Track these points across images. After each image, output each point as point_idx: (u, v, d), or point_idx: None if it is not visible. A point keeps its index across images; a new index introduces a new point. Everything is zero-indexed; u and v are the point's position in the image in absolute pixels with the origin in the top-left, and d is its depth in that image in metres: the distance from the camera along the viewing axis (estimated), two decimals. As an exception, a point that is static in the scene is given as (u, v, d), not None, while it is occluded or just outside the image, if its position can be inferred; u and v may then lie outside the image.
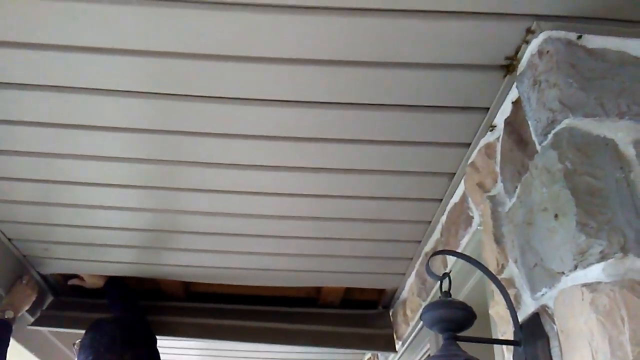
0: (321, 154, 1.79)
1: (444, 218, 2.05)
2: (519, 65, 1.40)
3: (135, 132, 1.72)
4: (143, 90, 1.57)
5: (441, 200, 1.99)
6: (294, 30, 1.36)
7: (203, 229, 2.24)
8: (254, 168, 1.86)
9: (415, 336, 2.52)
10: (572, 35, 1.30)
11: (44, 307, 2.77)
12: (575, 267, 1.10)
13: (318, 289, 2.83)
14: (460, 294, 1.92)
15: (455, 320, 1.22)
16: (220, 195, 2.01)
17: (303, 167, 1.86)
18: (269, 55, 1.44)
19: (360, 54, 1.43)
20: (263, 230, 2.22)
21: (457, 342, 1.22)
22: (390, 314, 2.91)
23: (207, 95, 1.56)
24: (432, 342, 2.25)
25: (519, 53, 1.38)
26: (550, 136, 1.24)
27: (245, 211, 2.10)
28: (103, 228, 2.23)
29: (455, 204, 1.93)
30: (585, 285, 1.07)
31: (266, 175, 1.89)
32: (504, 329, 1.45)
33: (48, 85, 1.55)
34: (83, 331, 2.31)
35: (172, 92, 1.57)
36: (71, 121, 1.68)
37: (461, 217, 1.87)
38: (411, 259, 2.40)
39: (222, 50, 1.43)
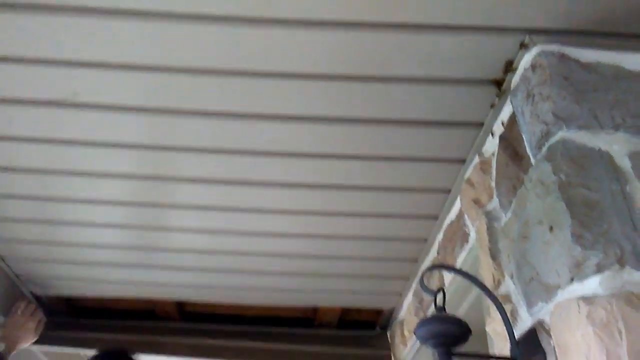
0: (315, 170, 1.78)
1: (440, 235, 2.03)
2: (513, 80, 1.40)
3: (130, 148, 1.71)
4: (137, 105, 1.56)
5: (437, 217, 1.97)
6: (286, 44, 1.37)
7: (196, 247, 2.22)
8: (247, 185, 1.85)
9: (413, 357, 2.48)
10: (565, 49, 1.30)
11: (37, 328, 2.73)
12: (572, 280, 1.09)
13: (314, 309, 2.79)
14: (458, 312, 1.90)
15: (450, 335, 1.20)
16: (214, 212, 2.00)
17: (297, 184, 1.85)
18: (261, 70, 1.44)
19: (355, 68, 1.43)
20: (257, 248, 2.20)
21: (452, 357, 1.20)
22: (388, 334, 2.86)
23: (200, 110, 1.56)
24: (429, 362, 2.21)
25: (513, 67, 1.38)
26: (544, 148, 1.23)
27: (240, 229, 2.09)
28: (96, 247, 2.21)
29: (452, 221, 1.92)
30: (581, 298, 1.05)
31: (260, 192, 1.88)
32: (501, 346, 1.43)
33: (41, 101, 1.55)
34: (75, 351, 2.27)
35: (165, 107, 1.57)
36: (64, 137, 1.68)
37: (457, 234, 1.86)
38: (408, 278, 2.37)
39: (213, 64, 1.43)
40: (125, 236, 2.15)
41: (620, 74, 1.29)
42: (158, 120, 1.60)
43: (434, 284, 2.09)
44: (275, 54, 1.39)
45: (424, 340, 1.23)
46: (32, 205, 1.99)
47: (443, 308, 1.26)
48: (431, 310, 2.11)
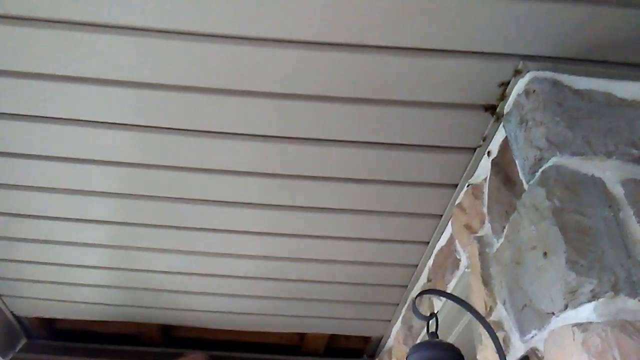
0: (304, 192, 1.77)
1: (430, 261, 2.02)
2: (506, 105, 1.40)
3: (118, 165, 1.69)
4: (128, 123, 1.55)
5: (428, 242, 1.96)
6: (281, 64, 1.36)
7: (180, 269, 2.18)
8: (234, 205, 1.83)
9: (401, 386, 2.44)
10: (558, 76, 1.31)
11: (17, 350, 2.66)
12: (566, 307, 1.07)
13: (301, 336, 2.75)
14: (448, 340, 1.87)
15: (443, 362, 1.18)
16: (197, 234, 1.97)
17: (285, 205, 1.83)
18: (255, 89, 1.43)
19: (349, 90, 1.43)
20: (244, 271, 2.17)
21: (445, 385, 1.17)
22: (376, 363, 2.83)
23: (188, 128, 1.55)
24: (418, 391, 2.17)
25: (506, 92, 1.39)
26: (537, 174, 1.23)
27: (225, 250, 2.06)
28: (78, 267, 2.17)
29: (442, 247, 1.91)
30: (576, 325, 1.03)
31: (245, 213, 1.86)
32: (493, 375, 1.40)
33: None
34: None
35: (158, 125, 1.55)
36: (53, 154, 1.66)
37: (448, 260, 1.84)
38: (397, 304, 2.34)
39: (205, 82, 1.42)
40: (109, 257, 2.10)
41: (611, 102, 1.29)
42: (148, 137, 1.58)
43: (423, 311, 2.06)
44: (270, 74, 1.39)
45: (416, 366, 1.20)
46: (15, 224, 1.95)
47: (436, 334, 1.24)
48: (422, 336, 2.08)
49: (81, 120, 1.54)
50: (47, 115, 1.53)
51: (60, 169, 1.70)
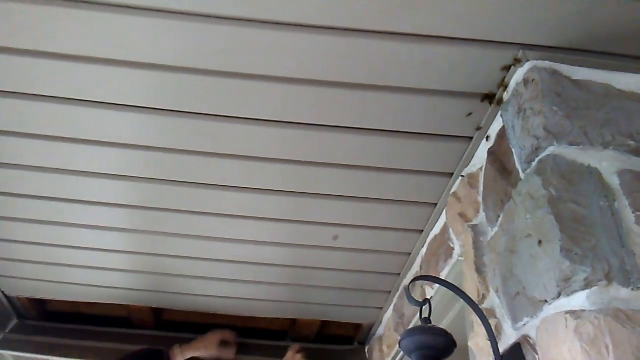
0: (297, 176, 1.76)
1: (423, 250, 2.03)
2: (504, 94, 1.40)
3: (119, 147, 1.68)
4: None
5: (422, 231, 1.97)
6: (278, 46, 1.35)
7: (170, 252, 2.17)
8: (224, 189, 1.82)
9: (390, 373, 2.46)
10: (557, 66, 1.31)
11: (7, 330, 2.66)
12: (559, 295, 1.08)
13: (293, 322, 2.75)
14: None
15: (435, 347, 1.19)
16: (191, 216, 1.96)
17: (278, 190, 1.82)
18: (253, 72, 1.42)
19: (346, 75, 1.42)
20: (237, 255, 2.16)
21: (436, 370, 1.18)
22: (366, 350, 2.84)
23: (188, 110, 1.55)
24: (407, 378, 2.19)
25: (504, 81, 1.39)
26: (534, 163, 1.23)
27: (220, 234, 2.05)
28: (71, 247, 2.16)
29: (436, 235, 1.91)
30: (569, 312, 1.04)
31: (238, 197, 1.85)
32: (483, 361, 1.42)
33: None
34: (46, 358, 2.22)
35: (164, 107, 1.55)
36: (43, 133, 1.65)
37: (441, 248, 1.85)
38: (389, 292, 2.35)
39: (203, 64, 1.41)
40: (101, 237, 2.09)
41: (610, 93, 1.30)
42: (155, 119, 1.58)
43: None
44: (267, 56, 1.38)
45: (408, 351, 1.21)
46: (5, 202, 1.94)
47: (428, 319, 1.25)
48: (413, 324, 2.09)
49: (92, 101, 1.53)
50: (60, 96, 1.52)
51: (61, 150, 1.69)
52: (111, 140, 1.66)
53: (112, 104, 1.53)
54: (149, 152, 1.69)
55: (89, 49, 1.39)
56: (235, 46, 1.36)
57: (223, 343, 2.57)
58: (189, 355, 2.51)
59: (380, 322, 2.58)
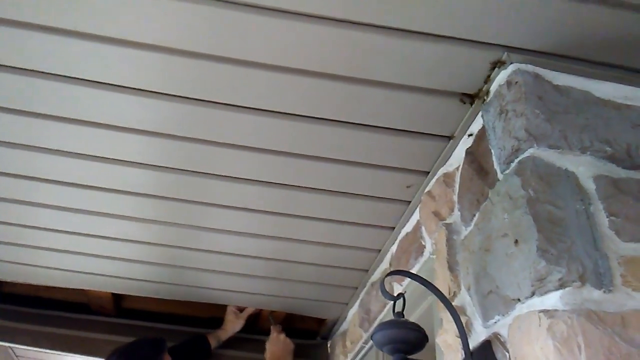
0: (273, 167, 1.74)
1: (394, 247, 2.03)
2: (486, 95, 1.42)
3: (82, 124, 1.63)
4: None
5: (394, 228, 1.97)
6: (262, 32, 1.33)
7: (134, 237, 2.12)
8: (196, 175, 1.78)
9: (353, 369, 2.46)
10: (539, 70, 1.33)
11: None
12: (532, 294, 1.10)
13: (258, 314, 2.74)
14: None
15: (408, 342, 1.19)
16: (156, 201, 1.91)
17: (250, 179, 1.80)
18: (237, 57, 1.40)
19: (328, 66, 1.41)
20: (206, 244, 2.13)
21: (408, 365, 1.19)
22: (329, 345, 2.84)
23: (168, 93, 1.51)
24: (370, 374, 2.20)
25: (487, 82, 1.40)
26: (514, 164, 1.25)
27: (185, 222, 2.01)
28: (31, 228, 2.08)
29: (408, 233, 1.92)
30: (542, 311, 1.06)
31: (209, 184, 1.81)
32: (451, 358, 1.43)
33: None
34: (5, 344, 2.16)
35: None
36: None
37: (413, 246, 1.86)
38: (356, 288, 2.36)
39: (185, 46, 1.38)
40: (61, 219, 2.03)
41: (589, 100, 1.32)
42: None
43: (381, 296, 2.08)
44: (249, 42, 1.35)
45: (381, 345, 1.21)
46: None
47: (402, 314, 1.25)
48: (379, 320, 2.10)
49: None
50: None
51: (36, 126, 1.64)
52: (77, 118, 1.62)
53: (104, 83, 1.49)
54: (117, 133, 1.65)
55: (89, 27, 1.35)
56: (217, 30, 1.33)
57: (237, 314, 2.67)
58: (224, 339, 2.64)
59: (345, 318, 2.58)
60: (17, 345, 2.65)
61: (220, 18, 1.30)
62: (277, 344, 2.56)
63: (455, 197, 1.57)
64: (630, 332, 1.02)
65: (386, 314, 2.08)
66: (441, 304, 1.38)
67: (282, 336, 2.59)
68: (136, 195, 1.89)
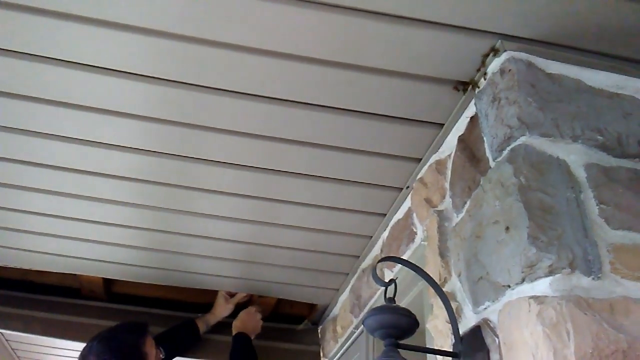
0: (263, 152, 1.74)
1: (385, 234, 2.04)
2: (480, 82, 1.42)
3: (70, 107, 1.61)
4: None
5: (385, 215, 1.98)
6: (252, 15, 1.31)
7: (123, 222, 2.11)
8: (183, 159, 1.77)
9: (343, 354, 2.48)
10: (532, 58, 1.33)
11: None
12: (522, 280, 1.11)
13: (248, 299, 2.75)
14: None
15: (399, 327, 1.20)
16: (144, 185, 1.90)
17: (240, 164, 1.79)
18: (227, 41, 1.38)
19: (320, 51, 1.40)
20: (195, 229, 2.13)
21: (398, 349, 1.20)
22: (319, 330, 2.86)
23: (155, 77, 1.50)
24: (361, 359, 2.22)
25: (481, 69, 1.40)
26: (506, 151, 1.26)
27: (173, 207, 2.01)
28: (23, 212, 2.07)
29: (399, 219, 1.93)
30: (532, 297, 1.07)
31: (197, 169, 1.80)
32: (441, 343, 1.44)
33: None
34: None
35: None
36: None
37: (404, 233, 1.87)
38: (347, 274, 2.37)
39: (172, 30, 1.37)
40: (51, 203, 2.01)
41: (581, 88, 1.33)
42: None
43: (372, 282, 2.09)
44: (240, 26, 1.34)
45: (372, 330, 1.22)
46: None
47: (393, 299, 1.26)
48: (369, 306, 2.12)
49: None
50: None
51: (23, 109, 1.62)
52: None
53: (95, 66, 1.48)
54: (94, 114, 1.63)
55: (80, 10, 1.33)
56: (208, 14, 1.32)
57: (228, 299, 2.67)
58: (213, 323, 2.65)
59: (336, 304, 2.60)
60: (7, 331, 2.64)
61: (211, 2, 1.29)
62: (249, 317, 2.60)
63: (447, 184, 1.58)
64: (618, 318, 1.04)
65: (377, 299, 2.09)
66: (432, 290, 1.39)
67: (259, 315, 2.63)
68: (126, 180, 1.88)
